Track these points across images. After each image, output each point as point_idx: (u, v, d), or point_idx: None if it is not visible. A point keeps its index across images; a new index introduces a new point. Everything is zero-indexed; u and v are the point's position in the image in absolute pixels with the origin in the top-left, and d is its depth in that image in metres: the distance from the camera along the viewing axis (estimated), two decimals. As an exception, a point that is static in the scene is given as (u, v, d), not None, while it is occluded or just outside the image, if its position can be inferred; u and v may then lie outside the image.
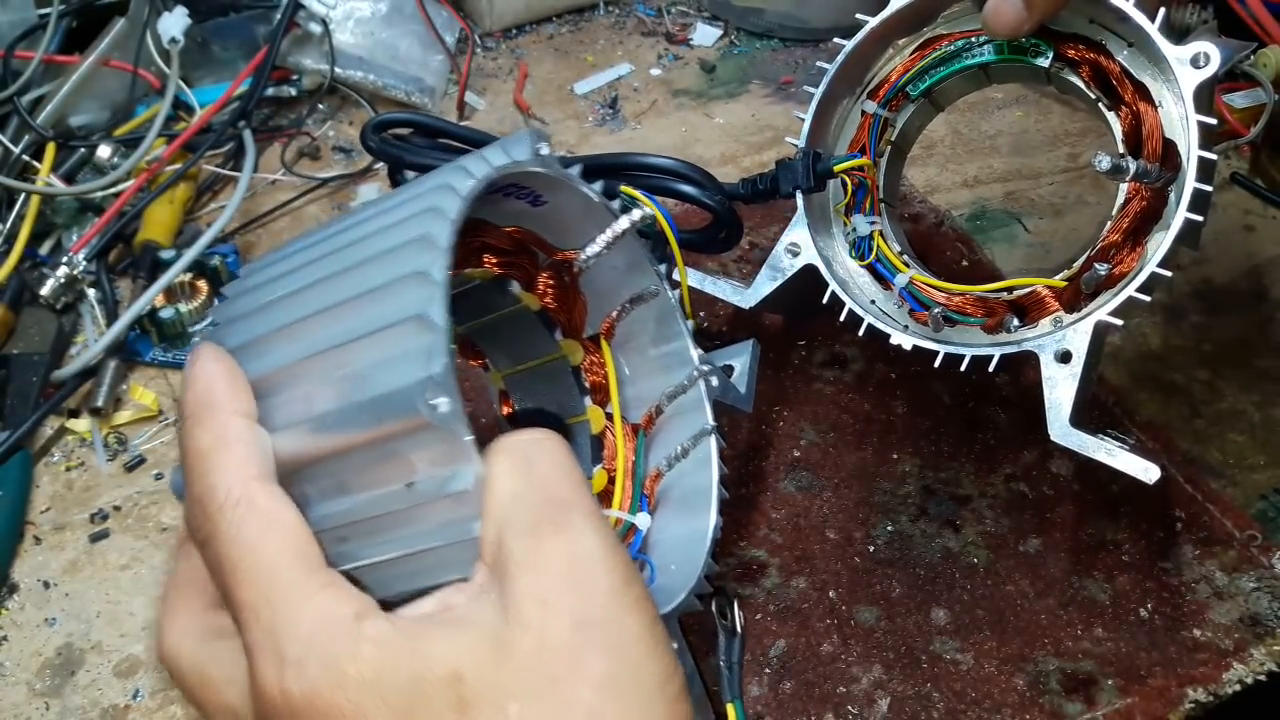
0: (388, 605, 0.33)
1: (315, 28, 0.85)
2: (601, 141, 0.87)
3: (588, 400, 0.52)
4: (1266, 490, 0.60)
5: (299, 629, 0.31)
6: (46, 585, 0.58)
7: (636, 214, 0.48)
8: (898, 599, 0.55)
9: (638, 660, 0.31)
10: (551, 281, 0.50)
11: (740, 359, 0.56)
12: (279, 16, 0.83)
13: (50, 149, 0.75)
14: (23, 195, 0.74)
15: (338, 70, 0.86)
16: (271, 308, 0.39)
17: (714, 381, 0.52)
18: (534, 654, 0.30)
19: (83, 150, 0.77)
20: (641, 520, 0.49)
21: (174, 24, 0.78)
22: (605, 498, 0.51)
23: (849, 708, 0.51)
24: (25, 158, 0.75)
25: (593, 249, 0.48)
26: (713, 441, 0.51)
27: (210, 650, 0.35)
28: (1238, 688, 0.51)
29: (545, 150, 0.43)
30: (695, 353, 0.52)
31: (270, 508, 0.33)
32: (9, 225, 0.73)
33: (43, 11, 0.79)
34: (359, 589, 0.33)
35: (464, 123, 0.89)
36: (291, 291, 0.39)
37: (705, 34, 0.99)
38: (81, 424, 0.66)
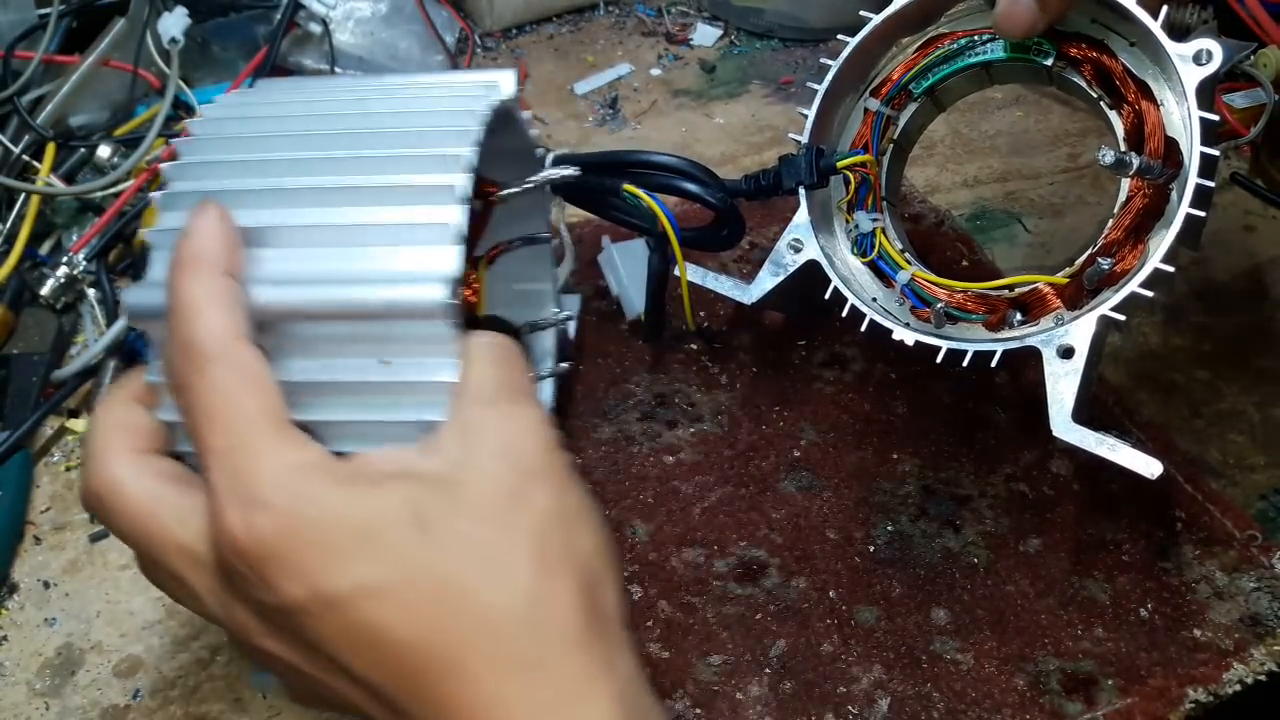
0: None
1: (315, 28, 0.85)
2: (601, 141, 0.87)
3: None
4: (1266, 490, 0.60)
5: (266, 472, 0.34)
6: (46, 585, 0.58)
7: (566, 171, 0.54)
8: (898, 599, 0.55)
9: (573, 500, 0.37)
10: None
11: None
12: (279, 16, 0.83)
13: (50, 149, 0.75)
14: (23, 195, 0.73)
15: (338, 70, 0.86)
16: (274, 163, 0.43)
17: (569, 327, 0.61)
18: (487, 492, 0.35)
19: (83, 150, 0.77)
20: None
21: (174, 24, 0.78)
22: None
23: (849, 708, 0.51)
24: (25, 158, 0.75)
25: (515, 189, 0.53)
26: (554, 382, 0.60)
27: (162, 489, 0.37)
28: (1238, 688, 0.51)
29: (515, 93, 0.50)
30: (560, 298, 0.61)
31: (250, 366, 0.36)
32: (9, 225, 0.73)
33: (43, 11, 0.79)
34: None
35: (464, 123, 0.89)
36: (300, 158, 0.43)
37: (705, 34, 0.99)
38: (81, 424, 0.66)
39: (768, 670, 0.52)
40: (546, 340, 0.61)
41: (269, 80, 0.55)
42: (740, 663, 0.53)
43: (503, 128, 0.51)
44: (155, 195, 0.43)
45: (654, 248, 0.61)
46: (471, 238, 0.55)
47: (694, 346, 0.68)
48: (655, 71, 0.95)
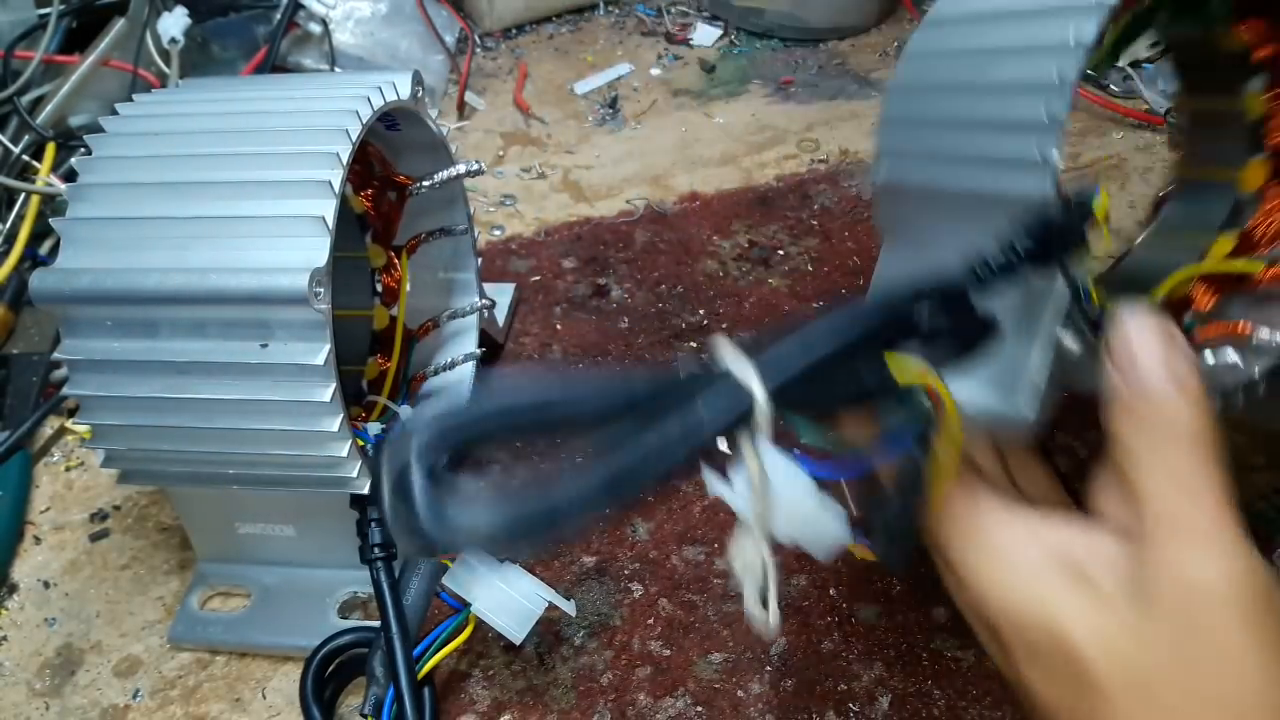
0: None
1: (315, 28, 0.85)
2: (602, 141, 0.87)
3: (377, 300, 0.61)
4: (1266, 490, 0.60)
5: None
6: (46, 585, 0.58)
7: (473, 164, 0.57)
8: (898, 597, 0.55)
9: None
10: (379, 193, 0.59)
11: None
12: (279, 16, 0.84)
13: (50, 149, 0.75)
14: (23, 195, 0.74)
15: (338, 70, 0.86)
16: (173, 160, 0.46)
17: (486, 315, 0.64)
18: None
19: (82, 150, 0.77)
20: (403, 411, 0.59)
21: (174, 24, 0.79)
22: (376, 386, 0.60)
23: (850, 705, 0.51)
24: (25, 158, 0.75)
25: (428, 182, 0.57)
26: (473, 364, 0.63)
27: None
28: (1239, 685, 0.51)
29: (421, 94, 0.53)
30: (480, 288, 0.63)
31: None
32: (9, 225, 0.73)
33: (43, 11, 0.79)
34: None
35: (464, 122, 0.89)
36: (196, 155, 0.46)
37: (705, 34, 0.99)
38: (81, 424, 0.66)
39: (769, 668, 0.52)
40: (470, 327, 0.64)
41: (193, 80, 0.58)
42: (741, 660, 0.53)
43: (410, 124, 0.55)
44: (65, 187, 0.47)
45: (915, 449, 0.35)
46: (390, 228, 0.61)
47: (693, 344, 0.68)
48: (655, 71, 0.95)
